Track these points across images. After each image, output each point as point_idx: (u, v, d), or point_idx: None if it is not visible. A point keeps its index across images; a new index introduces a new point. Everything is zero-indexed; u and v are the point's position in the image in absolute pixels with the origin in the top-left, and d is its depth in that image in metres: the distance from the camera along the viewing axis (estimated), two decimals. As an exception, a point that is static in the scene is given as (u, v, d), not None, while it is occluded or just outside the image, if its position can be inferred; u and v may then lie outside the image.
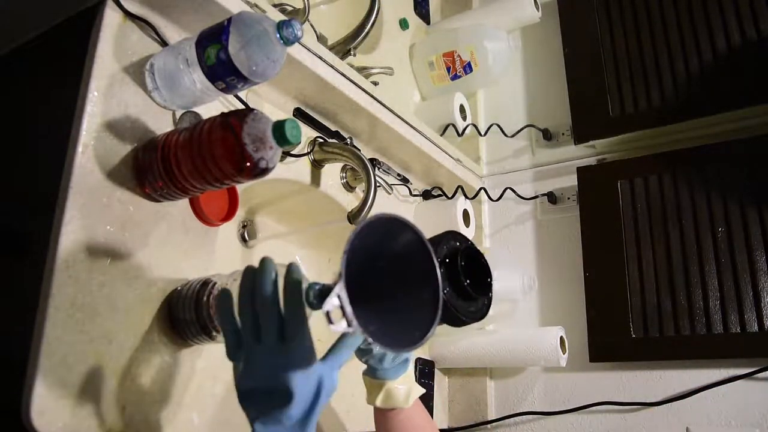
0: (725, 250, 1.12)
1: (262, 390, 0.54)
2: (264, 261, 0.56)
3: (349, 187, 1.08)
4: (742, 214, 1.12)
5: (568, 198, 1.34)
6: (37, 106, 0.78)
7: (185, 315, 0.69)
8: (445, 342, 1.26)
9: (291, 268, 0.55)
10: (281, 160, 0.94)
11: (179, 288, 0.72)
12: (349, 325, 0.46)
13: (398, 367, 0.75)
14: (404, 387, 0.76)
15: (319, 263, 1.12)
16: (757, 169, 1.13)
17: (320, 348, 0.55)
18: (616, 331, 1.17)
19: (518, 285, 1.22)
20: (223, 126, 0.61)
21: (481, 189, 1.35)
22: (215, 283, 0.69)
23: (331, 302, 0.47)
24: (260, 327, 0.54)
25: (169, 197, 0.70)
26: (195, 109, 0.78)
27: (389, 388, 0.75)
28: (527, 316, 1.31)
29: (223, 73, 0.66)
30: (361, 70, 1.15)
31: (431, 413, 1.20)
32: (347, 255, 0.48)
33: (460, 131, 1.36)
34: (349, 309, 0.46)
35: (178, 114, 0.76)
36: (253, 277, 0.55)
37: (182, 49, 0.68)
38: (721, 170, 1.16)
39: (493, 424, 1.26)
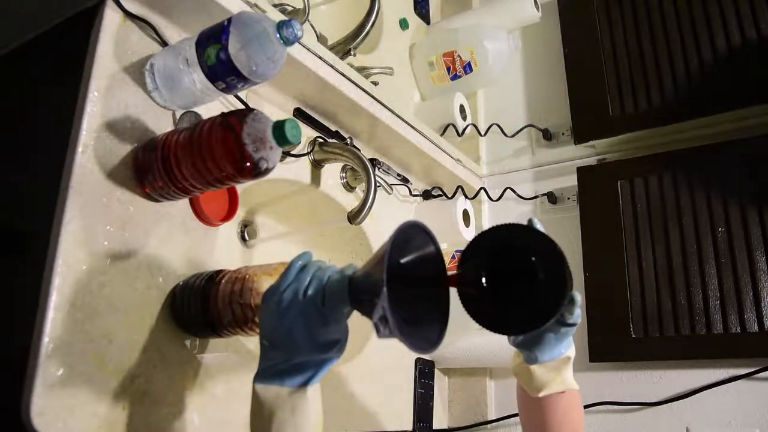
0: (725, 250, 1.12)
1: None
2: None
3: (349, 187, 1.08)
4: (742, 214, 1.12)
5: (568, 198, 1.34)
6: (37, 106, 0.78)
7: (191, 309, 0.70)
8: (445, 342, 1.25)
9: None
10: (281, 160, 0.94)
11: (182, 283, 0.72)
12: (391, 334, 0.48)
13: (530, 354, 0.70)
14: (542, 373, 0.71)
15: (320, 263, 1.12)
16: (757, 169, 1.13)
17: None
18: (616, 331, 1.17)
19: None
20: (223, 126, 0.62)
21: (481, 189, 1.35)
22: (222, 278, 0.69)
23: (377, 314, 0.48)
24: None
25: (169, 197, 0.70)
26: (195, 109, 0.78)
27: (528, 367, 0.71)
28: (527, 316, 1.30)
29: (223, 73, 0.66)
30: (361, 70, 1.15)
31: (431, 413, 1.20)
32: (387, 270, 0.48)
33: (460, 131, 1.36)
34: (392, 321, 0.48)
35: (178, 114, 0.76)
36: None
37: (182, 49, 0.68)
38: (721, 170, 1.16)
39: (493, 424, 1.26)
